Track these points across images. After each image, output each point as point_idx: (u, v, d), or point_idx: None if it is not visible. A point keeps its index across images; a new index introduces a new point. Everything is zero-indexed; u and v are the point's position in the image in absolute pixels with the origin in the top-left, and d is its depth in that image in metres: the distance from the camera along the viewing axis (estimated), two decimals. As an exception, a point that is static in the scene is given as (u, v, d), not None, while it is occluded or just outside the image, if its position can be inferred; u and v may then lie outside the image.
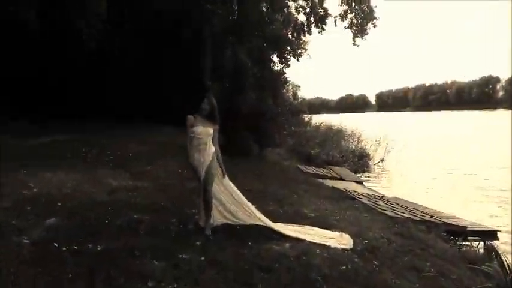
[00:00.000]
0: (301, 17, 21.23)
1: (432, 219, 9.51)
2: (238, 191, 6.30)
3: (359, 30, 20.38)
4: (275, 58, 19.55)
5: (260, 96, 15.96)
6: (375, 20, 20.21)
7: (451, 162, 25.69)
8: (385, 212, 9.44)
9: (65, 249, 4.44)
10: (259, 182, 10.71)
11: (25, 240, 4.58)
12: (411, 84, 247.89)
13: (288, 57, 20.63)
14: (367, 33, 20.45)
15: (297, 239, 5.88)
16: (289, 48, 20.34)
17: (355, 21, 20.35)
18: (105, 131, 15.89)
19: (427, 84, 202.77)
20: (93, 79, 19.24)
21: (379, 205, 10.31)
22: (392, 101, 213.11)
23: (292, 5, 20.74)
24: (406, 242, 7.01)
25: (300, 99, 30.02)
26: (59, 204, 6.21)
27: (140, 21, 18.53)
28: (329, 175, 17.19)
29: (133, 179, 9.26)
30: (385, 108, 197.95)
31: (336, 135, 29.17)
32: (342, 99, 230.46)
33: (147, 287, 3.88)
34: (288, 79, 20.72)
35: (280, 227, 6.28)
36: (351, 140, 29.28)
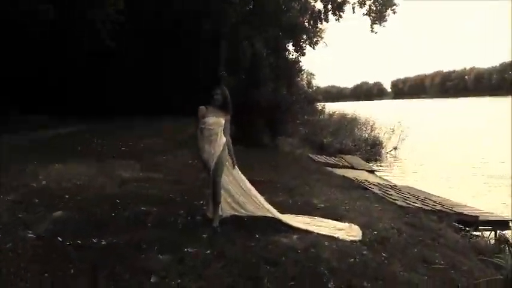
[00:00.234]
0: (318, 5, 20.98)
1: (443, 209, 9.38)
2: (248, 182, 6.27)
3: (378, 17, 20.03)
4: (290, 47, 19.44)
5: (275, 86, 15.88)
6: (394, 6, 19.83)
7: (467, 150, 25.31)
8: (396, 201, 9.33)
9: (69, 243, 4.46)
10: (270, 172, 10.70)
11: (30, 235, 4.61)
12: (428, 70, 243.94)
13: (304, 45, 20.50)
14: (386, 20, 20.12)
15: (306, 231, 5.85)
16: (305, 36, 20.18)
17: (374, 8, 19.99)
18: (118, 123, 16.05)
19: (444, 71, 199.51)
20: (98, 76, 19.43)
21: (390, 195, 10.20)
22: (409, 89, 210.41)
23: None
24: (417, 233, 6.91)
25: (314, 88, 29.73)
26: (67, 196, 6.27)
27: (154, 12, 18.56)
28: (341, 164, 17.07)
29: (145, 170, 9.34)
30: (401, 96, 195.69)
31: (349, 123, 28.92)
32: (357, 87, 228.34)
33: (151, 283, 3.88)
34: (303, 67, 20.56)
35: (288, 218, 6.24)
36: (364, 129, 29.01)
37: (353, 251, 5.35)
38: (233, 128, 15.00)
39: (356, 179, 12.18)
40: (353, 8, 20.44)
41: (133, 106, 19.29)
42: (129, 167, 9.36)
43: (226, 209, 6.09)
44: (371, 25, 20.46)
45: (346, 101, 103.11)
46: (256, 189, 6.32)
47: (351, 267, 4.85)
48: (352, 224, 6.49)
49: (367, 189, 10.59)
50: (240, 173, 6.18)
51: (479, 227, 9.08)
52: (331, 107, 34.85)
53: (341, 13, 20.46)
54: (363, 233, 6.14)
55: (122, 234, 4.92)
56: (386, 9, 20.06)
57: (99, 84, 19.75)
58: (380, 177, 15.46)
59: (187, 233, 5.21)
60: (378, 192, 10.29)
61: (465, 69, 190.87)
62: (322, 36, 22.62)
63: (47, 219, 5.23)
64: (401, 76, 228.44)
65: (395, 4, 19.92)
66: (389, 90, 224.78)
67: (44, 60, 17.75)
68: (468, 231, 8.32)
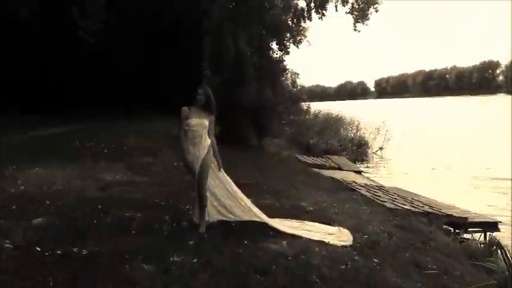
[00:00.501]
0: (301, 3, 20.89)
1: (432, 211, 9.33)
2: (234, 185, 6.09)
3: (360, 15, 20.01)
4: (274, 45, 19.30)
5: (259, 85, 15.73)
6: (377, 5, 19.84)
7: (450, 149, 25.50)
8: (385, 203, 9.26)
9: (48, 253, 4.23)
10: (256, 173, 10.54)
11: (7, 245, 4.36)
12: (410, 70, 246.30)
13: (288, 44, 20.38)
14: (368, 19, 20.11)
15: (295, 236, 5.70)
16: (288, 35, 20.07)
17: (357, 6, 19.97)
18: (103, 124, 15.73)
19: (426, 70, 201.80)
20: (92, 76, 19.19)
21: (379, 196, 10.13)
22: (392, 88, 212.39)
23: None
24: (407, 236, 6.83)
25: (299, 87, 29.66)
26: (48, 202, 6.01)
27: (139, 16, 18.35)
28: (327, 165, 16.99)
29: (129, 173, 9.08)
30: (385, 95, 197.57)
31: (334, 123, 28.90)
32: (341, 86, 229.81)
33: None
34: (287, 67, 20.44)
35: (277, 223, 6.08)
36: (350, 128, 29.03)
37: (344, 256, 5.23)
38: (218, 129, 14.92)
39: (344, 180, 12.10)
40: (336, 7, 20.41)
41: (132, 106, 19.14)
42: (113, 170, 9.09)
43: (213, 213, 5.90)
44: (354, 24, 20.45)
45: (330, 101, 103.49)
46: (242, 191, 6.15)
47: (342, 274, 4.72)
48: (342, 228, 6.37)
49: (355, 190, 10.51)
50: (226, 175, 6.00)
51: (469, 229, 9.05)
52: (316, 107, 34.80)
53: (324, 11, 20.39)
54: (353, 237, 6.02)
55: (105, 242, 4.70)
56: (369, 7, 20.06)
57: (98, 84, 19.51)
58: (367, 178, 15.41)
59: (173, 240, 5.00)
60: (366, 193, 10.22)
61: (446, 68, 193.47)
62: (306, 34, 22.57)
63: (26, 227, 4.97)
64: (385, 75, 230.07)
65: (377, 2, 19.93)
66: (372, 89, 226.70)
67: (43, 59, 17.50)
68: (458, 233, 8.27)
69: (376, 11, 20.06)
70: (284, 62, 19.33)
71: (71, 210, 5.75)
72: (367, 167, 21.35)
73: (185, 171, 5.86)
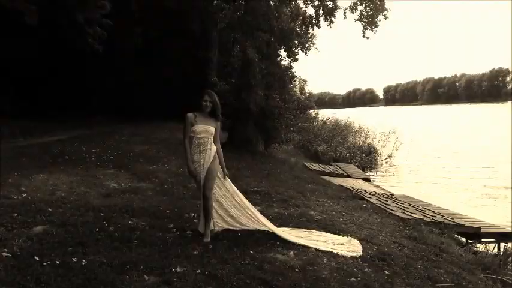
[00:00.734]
0: (310, 10, 20.82)
1: (444, 220, 9.08)
2: (240, 193, 5.94)
3: (369, 22, 19.84)
4: (282, 52, 19.23)
5: (267, 92, 15.62)
6: (386, 12, 19.66)
7: (462, 158, 25.15)
8: (395, 212, 9.02)
9: (46, 263, 4.07)
10: (264, 181, 10.35)
11: (4, 253, 4.21)
12: (420, 77, 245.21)
13: (296, 51, 20.31)
14: (377, 26, 19.94)
15: (303, 246, 5.51)
16: (297, 42, 20.01)
17: (365, 13, 19.81)
18: (109, 129, 15.67)
19: (435, 77, 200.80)
20: (99, 82, 19.25)
21: (388, 205, 9.90)
22: (400, 95, 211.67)
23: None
24: (419, 247, 6.61)
25: (307, 94, 29.59)
26: (50, 210, 5.87)
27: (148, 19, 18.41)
28: (336, 172, 16.78)
29: (134, 179, 8.96)
30: (393, 103, 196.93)
31: (343, 130, 28.69)
32: (349, 93, 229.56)
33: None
34: (296, 74, 20.36)
35: (284, 232, 5.90)
36: (359, 136, 28.80)
37: (353, 268, 5.03)
38: (225, 135, 14.82)
39: (353, 188, 11.88)
40: (344, 14, 20.30)
41: (139, 112, 19.19)
42: (118, 176, 8.97)
43: (218, 223, 5.75)
44: (363, 31, 20.27)
45: (338, 108, 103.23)
46: (251, 199, 6.01)
47: (352, 287, 4.51)
48: (352, 238, 6.18)
49: (364, 199, 10.28)
50: (231, 184, 5.83)
51: (482, 239, 8.78)
52: (324, 114, 34.63)
53: (332, 18, 20.29)
54: (363, 248, 5.82)
55: (105, 251, 4.53)
56: (378, 14, 19.87)
57: (105, 91, 19.57)
58: (377, 186, 15.15)
59: (176, 250, 4.83)
60: (376, 202, 9.99)
61: (456, 75, 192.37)
62: (314, 41, 22.50)
63: (26, 236, 4.82)
64: (394, 82, 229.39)
65: (386, 9, 19.76)
66: (381, 96, 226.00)
67: (49, 63, 17.61)
68: (471, 244, 8.02)
69: (385, 18, 19.90)
70: (292, 69, 19.26)
71: (73, 218, 5.60)
72: (376, 174, 21.06)
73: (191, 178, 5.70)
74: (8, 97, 16.23)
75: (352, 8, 20.05)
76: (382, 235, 6.89)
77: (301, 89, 28.24)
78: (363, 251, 5.68)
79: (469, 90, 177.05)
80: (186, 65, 19.80)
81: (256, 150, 15.88)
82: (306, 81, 28.73)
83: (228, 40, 19.47)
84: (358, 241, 6.06)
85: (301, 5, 20.69)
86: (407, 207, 9.93)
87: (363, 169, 20.59)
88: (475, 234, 8.84)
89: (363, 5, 19.75)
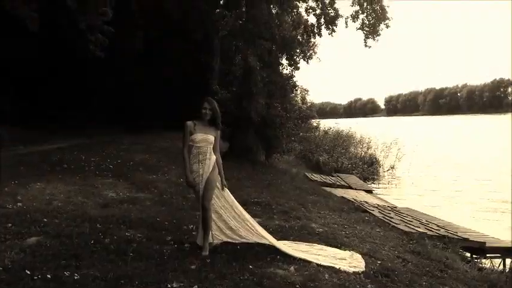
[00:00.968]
0: (311, 19, 20.73)
1: (448, 234, 8.92)
2: (239, 205, 5.78)
3: (371, 31, 19.77)
4: (284, 61, 19.14)
5: (269, 101, 15.52)
6: (387, 21, 19.58)
7: (464, 169, 24.96)
8: (398, 226, 8.86)
9: (37, 277, 3.92)
10: (265, 192, 10.21)
11: (-5, 267, 4.07)
12: (421, 87, 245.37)
13: (298, 59, 20.20)
14: (379, 35, 19.84)
15: (304, 261, 5.35)
16: (298, 50, 19.91)
17: (367, 22, 19.74)
18: (109, 138, 15.57)
19: (437, 88, 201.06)
20: (101, 91, 19.22)
21: (391, 218, 9.74)
22: (402, 105, 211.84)
23: (302, 5, 20.17)
24: (423, 262, 6.44)
25: (308, 103, 29.47)
26: (45, 220, 5.73)
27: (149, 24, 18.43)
28: (338, 183, 16.63)
29: (133, 189, 8.83)
30: (395, 113, 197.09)
31: (345, 141, 28.54)
32: (350, 103, 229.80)
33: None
34: (297, 83, 20.24)
35: (285, 246, 5.73)
36: (360, 146, 28.64)
37: (356, 285, 4.87)
38: (226, 145, 14.69)
39: (355, 200, 11.72)
40: (346, 22, 20.21)
41: (139, 120, 19.13)
42: (116, 186, 8.84)
43: (217, 235, 5.59)
44: (364, 40, 20.18)
45: (340, 118, 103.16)
46: (250, 211, 5.84)
47: (354, 306, 4.35)
48: (354, 253, 6.01)
49: (366, 211, 10.12)
50: (230, 194, 5.67)
51: (487, 255, 8.61)
52: (326, 124, 34.50)
53: (334, 27, 20.18)
54: (366, 263, 5.65)
55: (100, 265, 4.38)
56: (380, 23, 19.78)
57: (106, 99, 19.54)
58: (379, 198, 14.98)
59: (173, 264, 4.67)
60: (378, 215, 9.84)
61: (457, 86, 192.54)
62: (316, 50, 22.41)
63: (18, 247, 4.68)
64: (395, 92, 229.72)
65: (388, 18, 19.66)
66: (382, 106, 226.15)
67: (50, 69, 17.62)
68: (477, 259, 7.84)
69: (387, 27, 19.82)
70: (294, 78, 19.15)
71: (68, 229, 5.46)
72: (378, 186, 20.89)
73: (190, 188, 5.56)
74: (8, 97, 16.16)
75: (354, 17, 19.93)
76: (385, 249, 6.73)
77: (303, 99, 28.08)
78: (365, 266, 5.51)
79: (470, 101, 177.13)
80: (186, 66, 19.85)
81: (257, 160, 15.75)
82: (307, 91, 28.56)
83: (230, 48, 19.42)
84: (360, 256, 5.89)
85: (303, 13, 20.63)
86: (410, 221, 9.77)
87: (365, 180, 20.43)
88: (480, 249, 8.67)
89: (365, 14, 19.67)
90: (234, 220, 5.68)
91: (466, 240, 8.78)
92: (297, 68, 20.53)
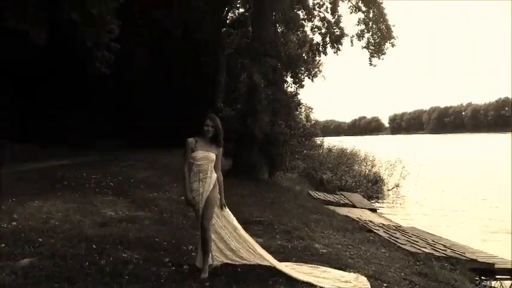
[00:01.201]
0: (317, 37, 20.81)
1: (455, 255, 8.66)
2: (239, 225, 5.59)
3: (376, 50, 19.79)
4: (289, 79, 19.12)
5: (273, 118, 15.44)
6: (393, 40, 19.61)
7: (470, 189, 24.62)
8: (404, 246, 8.62)
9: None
10: (268, 210, 10.02)
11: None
12: (426, 106, 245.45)
13: (302, 77, 20.17)
14: (384, 53, 19.87)
15: (307, 284, 5.14)
16: (303, 68, 19.90)
17: (373, 41, 19.78)
18: (110, 156, 15.48)
19: (441, 106, 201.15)
20: (102, 107, 19.29)
21: (397, 238, 9.50)
22: (406, 124, 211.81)
23: (308, 24, 20.25)
24: (430, 285, 6.22)
25: (312, 121, 29.34)
26: (40, 240, 5.56)
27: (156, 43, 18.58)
28: (341, 202, 16.39)
29: (132, 208, 8.66)
30: (399, 131, 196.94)
31: (349, 159, 28.32)
32: (355, 121, 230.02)
33: None
34: (302, 101, 20.16)
35: (287, 268, 5.52)
36: (365, 164, 28.39)
37: (362, 309, 4.65)
38: (228, 162, 14.54)
39: (359, 220, 11.49)
40: (351, 41, 20.26)
41: (141, 138, 19.11)
42: (116, 204, 8.67)
43: (217, 256, 5.40)
44: (369, 58, 20.20)
45: (344, 135, 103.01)
46: (252, 230, 5.66)
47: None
48: (359, 275, 5.78)
49: (371, 231, 9.89)
50: (231, 214, 5.49)
51: (497, 276, 8.34)
52: (330, 142, 34.32)
53: (339, 46, 20.23)
54: (371, 286, 5.43)
55: (93, 289, 4.21)
56: (385, 42, 19.82)
57: (108, 116, 19.58)
58: (383, 217, 14.73)
59: (170, 287, 4.50)
60: (384, 234, 9.60)
61: (462, 105, 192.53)
62: (321, 68, 22.37)
63: (10, 269, 4.51)
64: (399, 111, 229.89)
65: (393, 37, 19.70)
66: (387, 125, 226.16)
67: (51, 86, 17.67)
68: (486, 280, 7.58)
69: (393, 46, 19.85)
70: (298, 96, 19.09)
71: (63, 250, 5.29)
72: (383, 205, 20.59)
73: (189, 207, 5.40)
74: (8, 97, 16.14)
75: (359, 36, 20.03)
76: (391, 271, 6.51)
77: (307, 116, 27.98)
78: (371, 290, 5.31)
79: (475, 120, 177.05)
80: (192, 91, 19.98)
81: (260, 178, 15.59)
82: (312, 109, 28.46)
83: (236, 66, 19.51)
84: (366, 278, 5.67)
85: (309, 32, 20.71)
86: (416, 241, 9.52)
87: (369, 199, 20.16)
88: (489, 270, 8.40)
89: (370, 33, 19.72)
90: (235, 241, 5.49)
91: (474, 261, 8.52)
92: (302, 86, 20.48)
